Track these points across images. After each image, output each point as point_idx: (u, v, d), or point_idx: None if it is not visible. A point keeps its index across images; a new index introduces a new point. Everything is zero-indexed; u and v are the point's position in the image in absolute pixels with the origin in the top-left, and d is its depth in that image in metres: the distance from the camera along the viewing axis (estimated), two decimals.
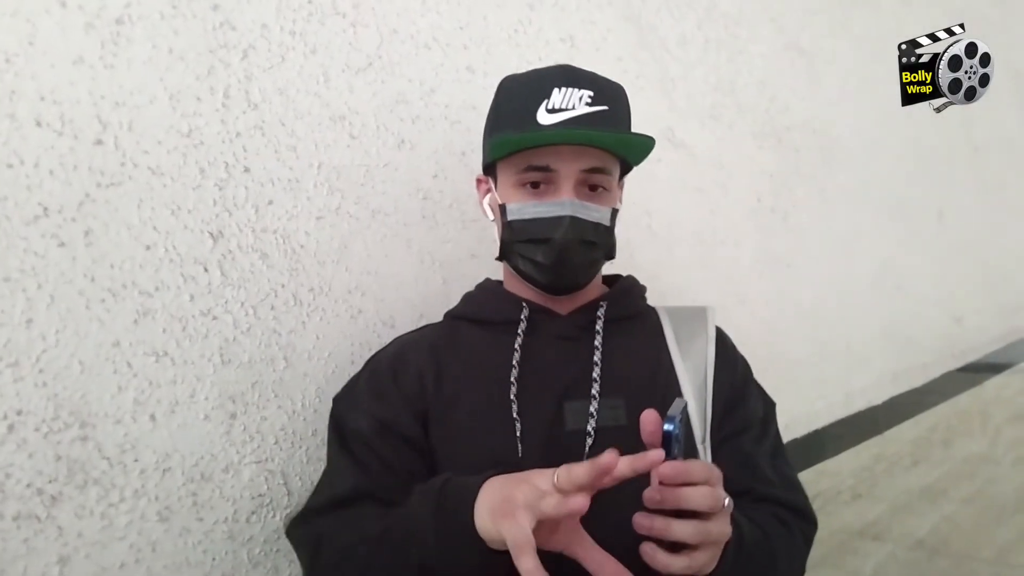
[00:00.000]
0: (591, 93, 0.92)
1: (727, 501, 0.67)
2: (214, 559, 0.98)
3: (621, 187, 1.03)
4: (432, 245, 1.24)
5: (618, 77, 1.59)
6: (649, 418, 0.67)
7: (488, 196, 1.02)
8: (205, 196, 0.99)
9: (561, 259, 0.92)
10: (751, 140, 2.01)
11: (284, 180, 1.06)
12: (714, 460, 0.92)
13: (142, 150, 0.93)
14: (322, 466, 1.07)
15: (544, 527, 0.66)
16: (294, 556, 1.05)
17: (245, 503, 1.01)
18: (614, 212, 0.96)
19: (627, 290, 1.04)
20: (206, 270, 0.98)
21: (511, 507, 0.64)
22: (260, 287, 1.03)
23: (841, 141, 2.38)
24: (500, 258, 1.01)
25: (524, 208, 0.94)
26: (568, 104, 0.91)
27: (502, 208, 0.96)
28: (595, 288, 1.03)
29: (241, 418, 1.01)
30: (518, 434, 0.89)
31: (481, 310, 1.03)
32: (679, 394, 0.94)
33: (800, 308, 2.15)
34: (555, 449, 0.88)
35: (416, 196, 1.22)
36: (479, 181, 1.05)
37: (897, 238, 2.67)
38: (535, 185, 0.93)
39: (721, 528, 0.67)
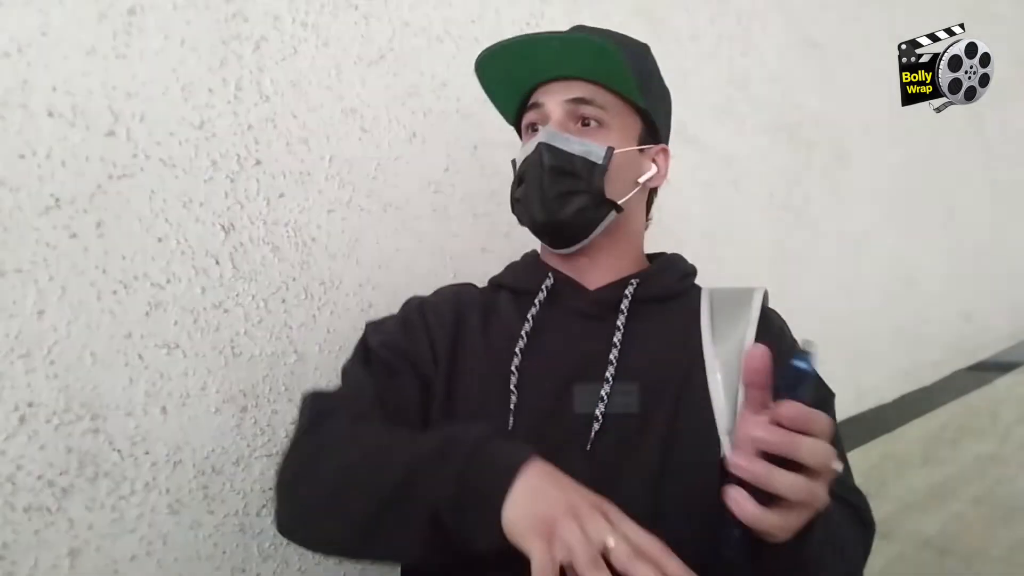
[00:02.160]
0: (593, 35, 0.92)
1: (838, 466, 0.59)
2: (224, 552, 0.98)
3: (664, 157, 0.99)
4: (443, 239, 1.24)
5: None
6: (757, 353, 0.59)
7: None
8: (217, 188, 0.98)
9: (532, 189, 0.90)
10: (763, 135, 2.00)
11: (296, 173, 1.06)
12: None
13: (154, 141, 0.93)
14: None
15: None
16: (304, 550, 1.05)
17: (256, 496, 1.01)
18: (610, 151, 0.90)
19: (665, 269, 0.99)
20: (218, 263, 0.98)
21: (549, 531, 0.60)
22: (271, 280, 1.03)
23: (853, 137, 2.37)
24: (515, 213, 0.98)
25: (519, 153, 0.95)
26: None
27: (513, 164, 0.98)
28: (630, 262, 0.99)
29: (252, 411, 1.00)
30: (511, 406, 0.86)
31: (510, 277, 1.01)
32: (701, 381, 0.87)
33: (810, 305, 2.14)
34: (556, 430, 0.84)
35: (427, 190, 1.22)
36: None
37: (908, 235, 2.66)
38: (534, 130, 0.94)
39: (823, 493, 0.60)
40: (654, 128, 0.97)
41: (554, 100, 0.92)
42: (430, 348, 0.92)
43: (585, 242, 0.94)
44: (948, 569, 1.87)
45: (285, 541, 1.03)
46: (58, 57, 0.86)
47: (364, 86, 1.14)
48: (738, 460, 0.58)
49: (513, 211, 0.97)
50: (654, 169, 0.98)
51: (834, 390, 0.94)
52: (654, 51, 1.05)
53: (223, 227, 0.99)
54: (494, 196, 1.31)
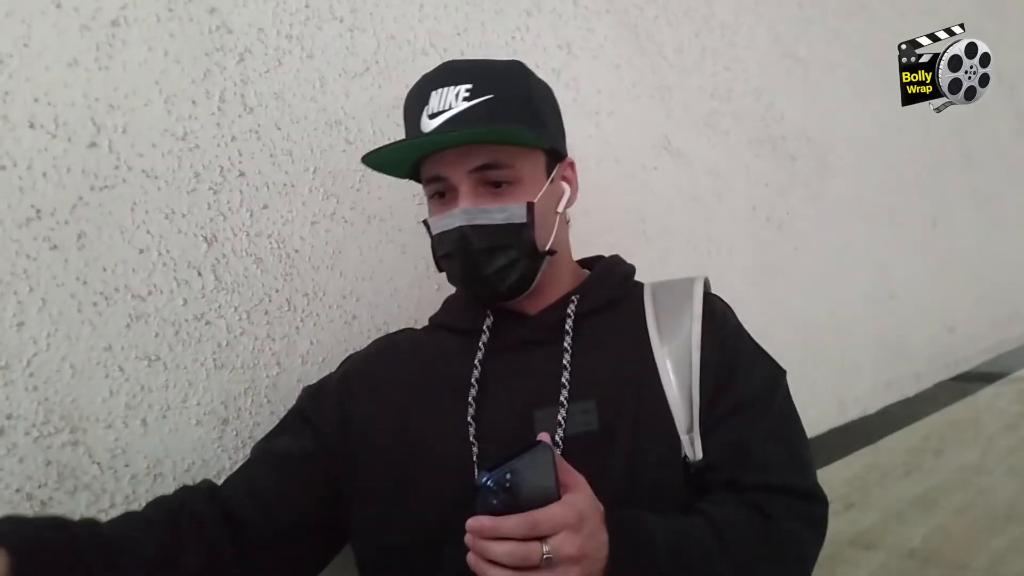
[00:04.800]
0: (469, 86, 0.86)
1: (546, 556, 0.64)
2: None
3: (571, 170, 0.98)
4: (427, 251, 1.23)
5: (615, 85, 1.60)
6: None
7: None
8: (199, 200, 0.98)
9: (471, 271, 0.88)
10: (747, 148, 2.01)
11: (279, 184, 1.06)
12: (704, 448, 0.85)
13: (136, 153, 0.93)
14: None
15: None
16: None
17: None
18: (530, 206, 0.87)
19: (601, 277, 0.98)
20: (200, 274, 0.98)
21: None
22: (254, 292, 1.03)
23: (836, 150, 2.39)
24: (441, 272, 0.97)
25: (434, 222, 0.91)
26: (445, 104, 0.86)
27: (426, 224, 0.94)
28: (568, 280, 0.97)
29: (233, 423, 1.00)
30: (474, 459, 0.85)
31: (451, 317, 0.99)
32: (656, 384, 0.88)
33: (794, 316, 2.15)
34: None
35: (411, 201, 1.22)
36: None
37: (891, 247, 2.68)
38: (441, 195, 0.90)
39: (542, 554, 0.65)
40: (555, 150, 0.94)
41: (457, 173, 0.87)
42: (342, 426, 0.92)
43: (527, 292, 0.93)
44: None
45: None
46: (40, 68, 0.86)
47: (349, 98, 1.14)
48: (468, 557, 0.66)
49: (439, 268, 0.95)
50: (567, 189, 0.97)
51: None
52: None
53: (205, 239, 0.98)
54: None
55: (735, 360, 0.91)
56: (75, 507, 0.87)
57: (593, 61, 1.56)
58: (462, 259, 0.88)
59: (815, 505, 0.87)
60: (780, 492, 0.84)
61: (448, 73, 0.89)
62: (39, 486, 0.85)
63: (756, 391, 0.90)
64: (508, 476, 0.64)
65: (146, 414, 0.93)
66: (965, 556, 1.98)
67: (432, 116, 0.87)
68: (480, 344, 0.92)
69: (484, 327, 0.93)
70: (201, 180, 0.98)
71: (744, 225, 1.99)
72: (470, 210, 0.86)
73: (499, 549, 0.64)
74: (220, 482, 0.90)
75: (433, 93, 0.88)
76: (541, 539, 0.64)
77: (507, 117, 0.87)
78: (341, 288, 1.12)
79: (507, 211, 0.87)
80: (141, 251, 0.93)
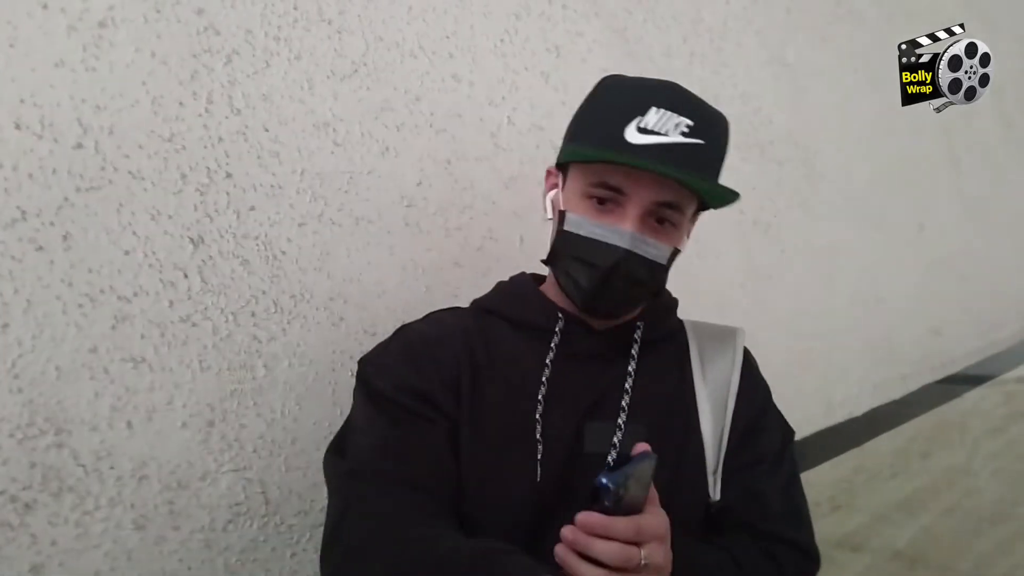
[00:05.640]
0: (690, 122, 0.85)
1: (643, 561, 0.67)
2: (190, 568, 0.97)
3: (692, 222, 0.96)
4: (415, 253, 1.24)
5: None
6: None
7: (553, 193, 0.94)
8: (186, 201, 0.98)
9: (603, 290, 0.87)
10: (734, 152, 2.01)
11: (267, 186, 1.06)
12: (724, 491, 0.91)
13: (123, 154, 0.93)
14: (301, 475, 1.06)
15: None
16: (270, 566, 1.04)
17: (222, 512, 1.00)
18: (674, 252, 0.89)
19: (664, 310, 1.01)
20: (186, 276, 0.97)
21: None
22: (240, 293, 1.02)
23: (823, 154, 2.40)
24: (547, 263, 0.95)
25: (583, 223, 0.87)
26: (662, 128, 0.84)
27: (562, 214, 0.90)
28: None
29: (219, 426, 1.00)
30: (539, 456, 0.86)
31: (514, 310, 0.97)
32: (695, 422, 0.92)
33: (781, 320, 2.17)
34: (573, 472, 0.87)
35: (400, 204, 1.22)
36: (549, 173, 0.97)
37: (878, 250, 2.69)
38: (601, 201, 0.87)
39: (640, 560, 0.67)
40: (706, 208, 0.94)
41: (642, 196, 0.85)
42: (445, 388, 0.89)
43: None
44: None
45: (252, 557, 1.03)
46: (26, 69, 0.86)
47: (337, 100, 1.14)
48: (558, 548, 0.68)
49: (552, 263, 0.94)
50: (686, 239, 0.96)
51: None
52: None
53: (192, 240, 0.98)
54: (467, 210, 1.32)
55: (762, 415, 0.98)
56: (59, 509, 0.87)
57: (582, 65, 1.57)
58: (604, 277, 0.86)
59: (812, 562, 0.94)
60: (787, 544, 0.91)
61: (674, 97, 0.87)
62: (23, 488, 0.85)
63: (775, 448, 0.96)
64: (623, 481, 0.66)
65: (131, 416, 0.92)
66: (951, 558, 1.99)
67: (643, 131, 0.84)
68: (552, 345, 0.93)
69: (557, 329, 0.94)
70: (188, 181, 0.98)
71: (732, 229, 2.00)
72: (638, 237, 0.85)
73: (604, 547, 0.66)
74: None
75: (654, 110, 0.85)
76: (638, 545, 0.67)
77: (710, 169, 0.88)
78: (328, 290, 1.12)
79: (659, 250, 0.88)
80: (127, 252, 0.93)
